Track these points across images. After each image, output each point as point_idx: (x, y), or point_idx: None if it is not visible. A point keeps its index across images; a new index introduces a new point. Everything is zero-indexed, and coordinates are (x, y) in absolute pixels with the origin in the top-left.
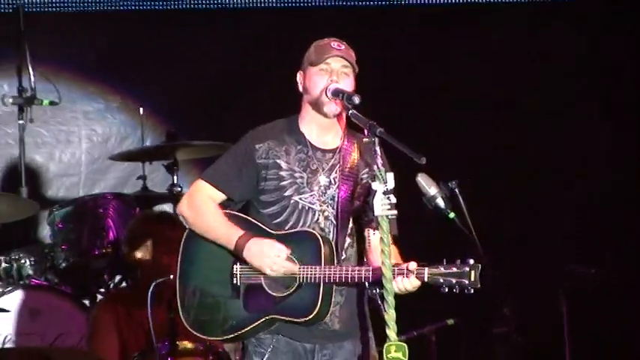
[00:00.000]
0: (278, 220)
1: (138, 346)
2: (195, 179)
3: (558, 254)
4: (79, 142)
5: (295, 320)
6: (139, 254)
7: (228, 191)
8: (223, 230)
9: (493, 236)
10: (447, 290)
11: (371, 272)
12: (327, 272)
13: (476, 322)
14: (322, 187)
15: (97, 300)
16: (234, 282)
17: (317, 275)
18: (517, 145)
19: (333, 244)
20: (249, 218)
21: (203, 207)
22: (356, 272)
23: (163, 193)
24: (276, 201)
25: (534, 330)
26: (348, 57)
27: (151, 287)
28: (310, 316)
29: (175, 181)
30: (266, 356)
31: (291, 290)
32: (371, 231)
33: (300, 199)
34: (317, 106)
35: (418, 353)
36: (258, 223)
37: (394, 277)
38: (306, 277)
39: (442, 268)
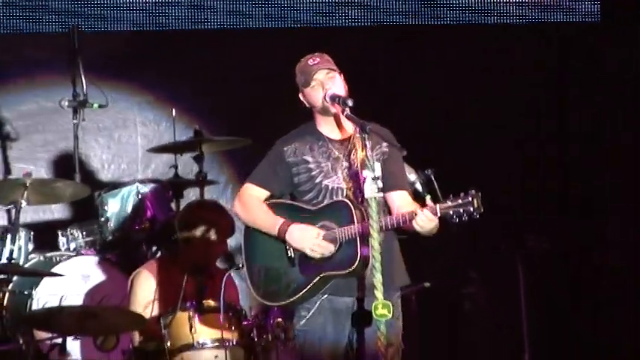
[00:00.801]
0: (315, 202)
1: (171, 304)
2: (242, 183)
3: (514, 225)
4: (125, 139)
5: (343, 272)
6: (190, 234)
7: (268, 187)
8: (267, 221)
9: None
10: (457, 220)
11: (393, 219)
12: (360, 228)
13: (447, 284)
14: (345, 169)
15: (137, 267)
16: (289, 254)
17: (352, 232)
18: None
19: (361, 206)
20: (291, 202)
21: (249, 203)
22: (382, 221)
23: (191, 179)
24: (311, 189)
25: (496, 290)
26: (326, 65)
27: (227, 275)
28: (354, 266)
29: (201, 170)
30: (311, 312)
31: (335, 250)
32: (393, 194)
33: (329, 182)
34: (324, 111)
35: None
36: (299, 204)
37: (414, 218)
38: (345, 237)
39: (449, 202)
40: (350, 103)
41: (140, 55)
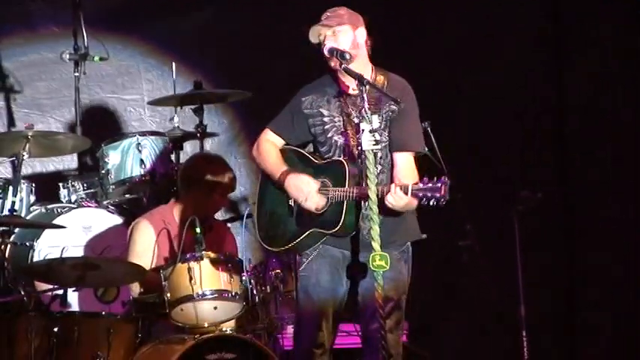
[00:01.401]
0: (327, 156)
1: (170, 255)
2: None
3: (511, 181)
4: (126, 91)
5: (328, 232)
6: (191, 187)
7: (284, 135)
8: (273, 167)
9: (458, 167)
10: (425, 203)
11: (363, 190)
12: (347, 192)
13: (444, 236)
14: (355, 126)
15: (137, 218)
16: (290, 204)
17: (340, 195)
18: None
19: (360, 169)
20: (301, 151)
21: (262, 147)
22: (366, 190)
23: (191, 131)
24: (324, 142)
25: (492, 243)
26: (333, 21)
27: (246, 212)
28: (337, 228)
29: (201, 122)
30: (310, 257)
31: (326, 208)
32: (395, 155)
33: (338, 138)
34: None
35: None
36: (307, 154)
37: (388, 194)
38: (336, 198)
39: (421, 185)
40: (347, 56)
41: (141, 9)
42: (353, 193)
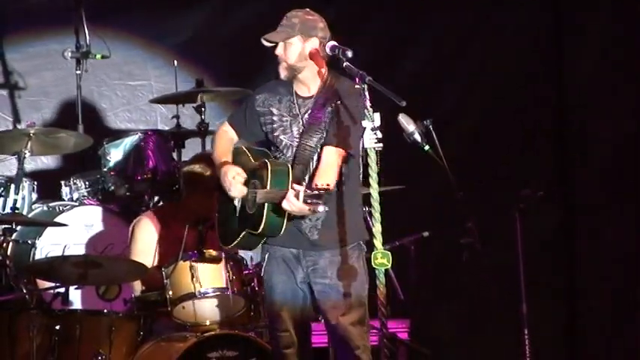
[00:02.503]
0: (276, 154)
1: (171, 253)
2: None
3: (513, 180)
4: (127, 89)
5: (255, 233)
6: (194, 186)
7: (237, 130)
8: (217, 157)
9: (460, 165)
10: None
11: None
12: (267, 194)
13: (446, 234)
14: (301, 127)
15: (138, 216)
16: (235, 203)
17: (259, 197)
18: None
19: (293, 171)
20: (245, 150)
21: (216, 140)
22: (270, 194)
23: (193, 129)
24: (272, 140)
25: (494, 240)
26: (277, 38)
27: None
28: (259, 230)
29: (202, 120)
30: (265, 261)
31: (252, 210)
32: (323, 149)
33: (284, 137)
34: (298, 69)
35: (399, 260)
36: (248, 154)
37: (283, 197)
38: (262, 200)
39: (309, 191)
40: (349, 54)
41: (143, 7)
42: (266, 195)
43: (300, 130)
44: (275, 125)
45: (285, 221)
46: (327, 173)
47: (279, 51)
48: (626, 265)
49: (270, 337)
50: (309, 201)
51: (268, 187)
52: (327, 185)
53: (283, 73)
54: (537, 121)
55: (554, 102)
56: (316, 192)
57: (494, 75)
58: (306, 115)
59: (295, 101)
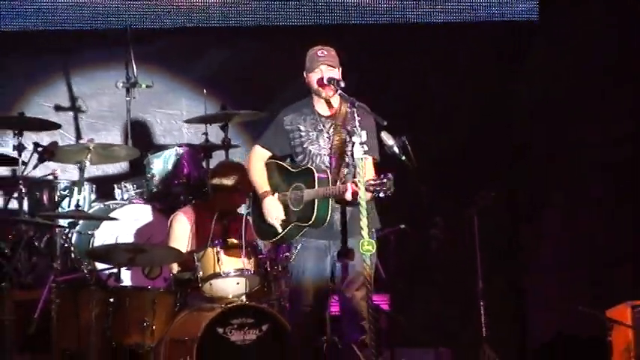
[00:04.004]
0: (303, 163)
1: (201, 241)
2: (252, 144)
3: (471, 182)
4: (167, 112)
5: (304, 225)
6: (219, 186)
7: (270, 149)
8: (257, 183)
9: (430, 171)
10: (376, 194)
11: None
12: (312, 192)
13: (418, 226)
14: (326, 139)
15: (175, 212)
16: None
17: (307, 196)
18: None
19: (328, 173)
20: (281, 163)
21: (252, 163)
22: (330, 190)
23: (218, 144)
24: (301, 152)
25: (456, 232)
26: (329, 61)
27: (245, 218)
28: (311, 222)
29: (226, 137)
30: (297, 250)
31: (298, 207)
32: (358, 162)
33: (313, 148)
34: (318, 92)
35: (381, 247)
36: (286, 165)
37: (346, 190)
38: (309, 197)
39: (372, 181)
40: (342, 84)
41: (180, 47)
42: (323, 192)
43: (329, 142)
44: (303, 139)
45: (330, 212)
46: (368, 176)
47: (336, 74)
48: (562, 252)
49: (292, 309)
50: (371, 188)
51: (316, 186)
52: (387, 175)
53: (332, 92)
54: (494, 131)
55: (507, 112)
56: (378, 181)
57: (454, 88)
58: (331, 130)
59: (319, 119)
